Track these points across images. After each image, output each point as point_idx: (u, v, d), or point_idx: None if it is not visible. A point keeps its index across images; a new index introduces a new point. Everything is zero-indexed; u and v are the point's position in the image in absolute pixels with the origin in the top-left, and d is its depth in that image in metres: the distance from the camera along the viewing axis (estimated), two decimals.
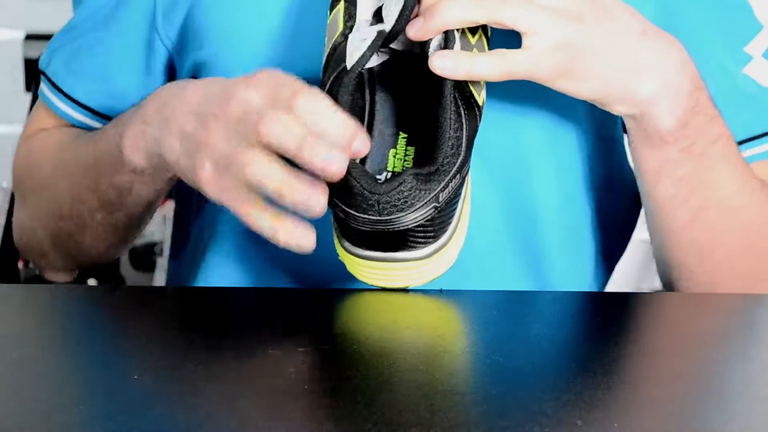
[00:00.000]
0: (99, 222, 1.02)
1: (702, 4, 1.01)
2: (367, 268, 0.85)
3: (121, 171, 0.95)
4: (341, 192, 0.81)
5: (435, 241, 0.85)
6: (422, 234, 0.83)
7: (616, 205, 1.06)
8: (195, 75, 1.02)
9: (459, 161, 0.83)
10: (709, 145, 0.94)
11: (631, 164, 0.99)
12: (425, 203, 0.81)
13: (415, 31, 0.84)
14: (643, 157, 0.95)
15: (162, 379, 0.73)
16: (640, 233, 1.09)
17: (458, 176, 0.83)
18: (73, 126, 1.09)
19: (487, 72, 0.85)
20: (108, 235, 1.03)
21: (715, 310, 0.90)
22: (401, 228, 0.82)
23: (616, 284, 1.12)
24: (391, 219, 0.81)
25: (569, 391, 0.72)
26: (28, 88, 2.14)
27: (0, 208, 2.10)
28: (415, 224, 0.82)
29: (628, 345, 0.79)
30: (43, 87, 1.11)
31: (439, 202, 0.82)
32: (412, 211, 0.81)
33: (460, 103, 0.84)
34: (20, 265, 2.00)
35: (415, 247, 0.84)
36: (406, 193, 0.81)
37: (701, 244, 0.98)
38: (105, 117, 1.08)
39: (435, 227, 0.84)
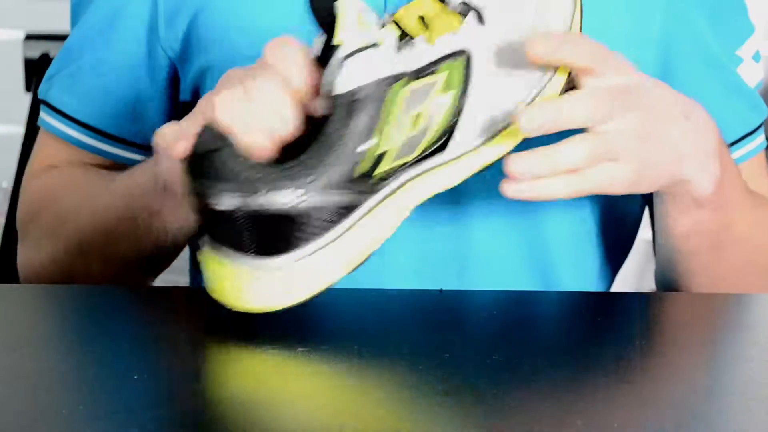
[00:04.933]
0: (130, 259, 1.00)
1: (706, 6, 1.02)
2: (212, 270, 0.80)
3: (158, 199, 0.93)
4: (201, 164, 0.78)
5: (286, 252, 0.78)
6: (273, 238, 0.78)
7: (622, 210, 1.06)
8: (200, 81, 1.02)
9: (337, 175, 0.77)
10: (734, 193, 0.95)
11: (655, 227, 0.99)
12: (278, 189, 0.76)
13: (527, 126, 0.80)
14: (675, 224, 0.94)
15: (162, 379, 0.73)
16: (641, 233, 1.09)
17: (333, 194, 0.77)
18: (87, 152, 1.07)
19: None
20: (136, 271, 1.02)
21: (715, 310, 0.90)
22: (246, 211, 0.76)
23: (616, 284, 1.12)
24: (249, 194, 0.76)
25: (569, 391, 0.72)
26: (28, 88, 2.14)
27: (0, 208, 2.10)
28: (267, 212, 0.76)
29: (628, 345, 0.79)
30: (47, 117, 1.08)
31: (292, 202, 0.76)
32: (262, 194, 0.76)
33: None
34: None
35: (268, 253, 0.78)
36: (258, 169, 0.76)
37: (717, 275, 0.99)
38: (118, 140, 1.06)
39: (297, 233, 0.77)
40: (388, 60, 0.78)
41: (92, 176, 1.05)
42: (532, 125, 0.79)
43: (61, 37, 2.18)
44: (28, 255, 1.08)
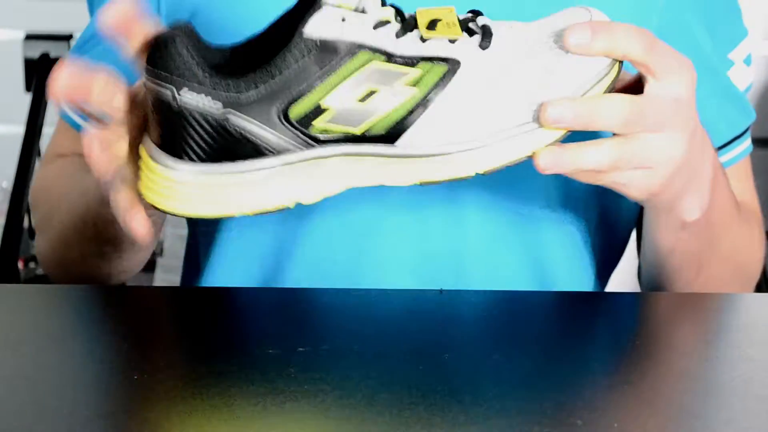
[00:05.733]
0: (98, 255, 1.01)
1: (702, 8, 1.02)
2: (141, 162, 0.80)
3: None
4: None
5: (199, 161, 0.79)
6: (191, 140, 0.78)
7: (617, 213, 1.06)
8: None
9: (264, 89, 0.77)
10: (722, 216, 0.94)
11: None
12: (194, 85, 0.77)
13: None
14: (659, 239, 0.94)
15: (162, 379, 0.73)
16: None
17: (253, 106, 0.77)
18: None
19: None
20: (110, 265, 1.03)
21: (715, 310, 0.90)
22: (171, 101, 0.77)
23: (617, 284, 1.12)
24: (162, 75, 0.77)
25: (569, 391, 0.72)
26: (28, 88, 2.14)
27: (0, 208, 2.10)
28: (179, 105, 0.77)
29: (628, 345, 0.79)
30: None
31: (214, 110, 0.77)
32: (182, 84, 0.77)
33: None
34: (20, 265, 2.00)
35: (181, 156, 0.79)
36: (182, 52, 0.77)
37: (699, 287, 0.99)
38: None
39: (210, 146, 0.78)
40: (368, 30, 0.78)
41: (76, 170, 1.06)
42: (556, 118, 0.78)
43: (61, 37, 2.18)
44: (36, 238, 1.12)
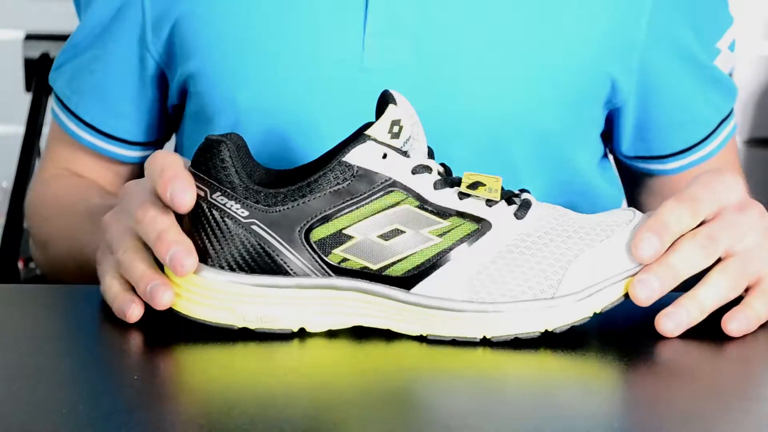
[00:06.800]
0: None
1: (688, 3, 1.03)
2: None
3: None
4: None
5: (216, 267, 0.79)
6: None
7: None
8: (184, 87, 1.03)
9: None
10: None
11: None
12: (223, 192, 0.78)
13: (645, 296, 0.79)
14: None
15: (162, 379, 0.73)
16: None
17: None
18: (85, 146, 1.10)
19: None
20: None
21: (715, 310, 0.90)
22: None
23: None
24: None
25: (569, 391, 0.72)
26: (28, 88, 2.14)
27: (0, 208, 2.10)
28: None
29: (628, 345, 0.79)
30: (54, 105, 1.11)
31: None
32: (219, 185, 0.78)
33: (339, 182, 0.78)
34: (20, 265, 2.00)
35: (203, 260, 0.80)
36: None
37: None
38: (108, 136, 1.08)
39: (229, 254, 0.79)
40: (406, 172, 0.78)
41: (79, 199, 1.06)
42: (649, 296, 0.79)
43: (61, 37, 2.18)
44: (31, 247, 1.13)
